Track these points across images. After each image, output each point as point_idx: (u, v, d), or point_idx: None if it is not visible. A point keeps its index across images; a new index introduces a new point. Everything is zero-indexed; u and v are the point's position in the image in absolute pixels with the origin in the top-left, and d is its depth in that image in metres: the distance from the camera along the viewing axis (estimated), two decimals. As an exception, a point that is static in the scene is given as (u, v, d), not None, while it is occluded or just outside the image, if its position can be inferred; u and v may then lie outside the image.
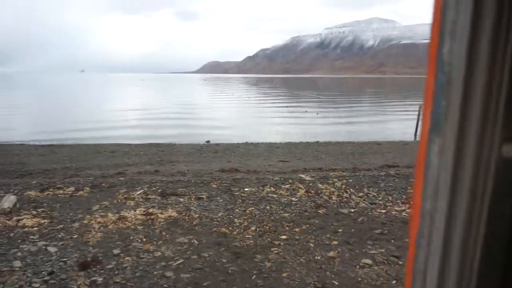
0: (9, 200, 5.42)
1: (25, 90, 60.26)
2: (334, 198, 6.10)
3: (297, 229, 4.78)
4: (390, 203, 5.91)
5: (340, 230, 4.80)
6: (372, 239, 4.53)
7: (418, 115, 17.44)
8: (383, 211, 5.56)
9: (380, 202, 5.98)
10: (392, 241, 4.48)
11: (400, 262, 3.92)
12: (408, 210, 5.56)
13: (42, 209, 5.37)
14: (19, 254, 3.97)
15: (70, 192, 6.23)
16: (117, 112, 27.38)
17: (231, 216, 5.20)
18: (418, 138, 16.37)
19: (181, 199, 5.90)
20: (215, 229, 4.75)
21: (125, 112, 27.41)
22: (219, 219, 5.10)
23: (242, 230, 4.72)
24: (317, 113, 27.24)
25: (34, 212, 5.23)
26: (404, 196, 6.23)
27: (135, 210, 5.33)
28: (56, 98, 43.73)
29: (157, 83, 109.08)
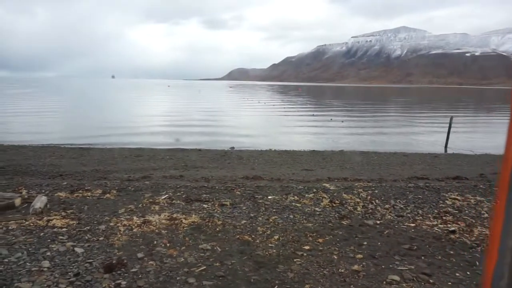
0: (41, 201, 5.62)
1: (63, 95, 63.17)
2: (359, 209, 5.94)
3: (320, 240, 4.67)
4: (420, 217, 5.67)
5: (365, 242, 4.65)
6: (400, 254, 4.35)
7: (449, 127, 16.82)
8: (412, 224, 5.35)
9: (409, 215, 5.76)
10: (423, 257, 4.28)
11: (431, 281, 3.73)
12: (440, 226, 5.32)
13: (71, 211, 5.52)
14: (48, 253, 4.08)
15: (97, 195, 6.39)
16: (144, 117, 28.08)
17: (254, 224, 5.15)
18: (448, 151, 15.83)
19: (205, 205, 5.92)
20: (238, 236, 4.72)
21: (152, 117, 28.07)
22: (242, 226, 5.06)
23: (265, 239, 4.67)
24: (342, 121, 26.93)
25: (63, 213, 5.39)
26: (436, 211, 5.98)
27: (159, 215, 5.38)
28: (88, 103, 45.51)
29: (184, 90, 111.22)
